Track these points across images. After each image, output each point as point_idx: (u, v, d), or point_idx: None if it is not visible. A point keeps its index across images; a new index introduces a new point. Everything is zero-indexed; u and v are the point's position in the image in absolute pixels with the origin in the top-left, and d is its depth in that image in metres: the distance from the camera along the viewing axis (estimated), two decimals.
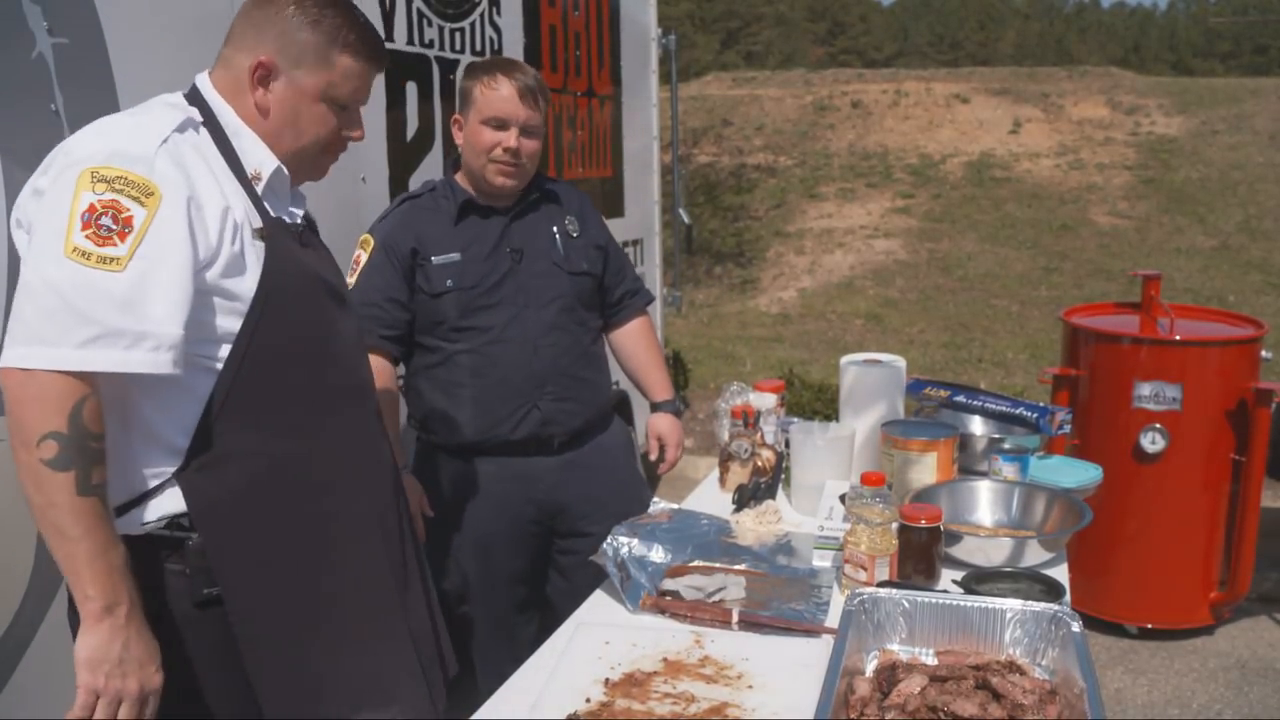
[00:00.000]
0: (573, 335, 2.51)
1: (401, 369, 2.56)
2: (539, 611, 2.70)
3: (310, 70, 1.63)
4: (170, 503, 1.52)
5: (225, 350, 1.53)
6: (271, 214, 1.63)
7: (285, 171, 1.67)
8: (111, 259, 1.40)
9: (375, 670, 1.68)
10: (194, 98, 1.63)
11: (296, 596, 1.61)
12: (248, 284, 1.54)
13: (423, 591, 1.86)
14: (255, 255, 1.56)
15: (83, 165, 1.43)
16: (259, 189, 1.63)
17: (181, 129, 1.54)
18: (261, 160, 1.64)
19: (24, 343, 1.39)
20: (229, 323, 1.53)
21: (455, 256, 2.43)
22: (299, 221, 1.73)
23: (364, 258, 2.45)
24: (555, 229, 2.54)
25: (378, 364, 2.25)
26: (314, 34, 1.62)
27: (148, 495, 1.52)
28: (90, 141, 1.49)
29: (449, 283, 2.42)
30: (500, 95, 2.38)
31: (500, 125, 2.39)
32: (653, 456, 2.79)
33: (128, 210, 1.42)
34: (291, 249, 1.64)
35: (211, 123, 1.61)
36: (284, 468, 1.59)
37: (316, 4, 1.63)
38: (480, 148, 2.41)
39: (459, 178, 2.53)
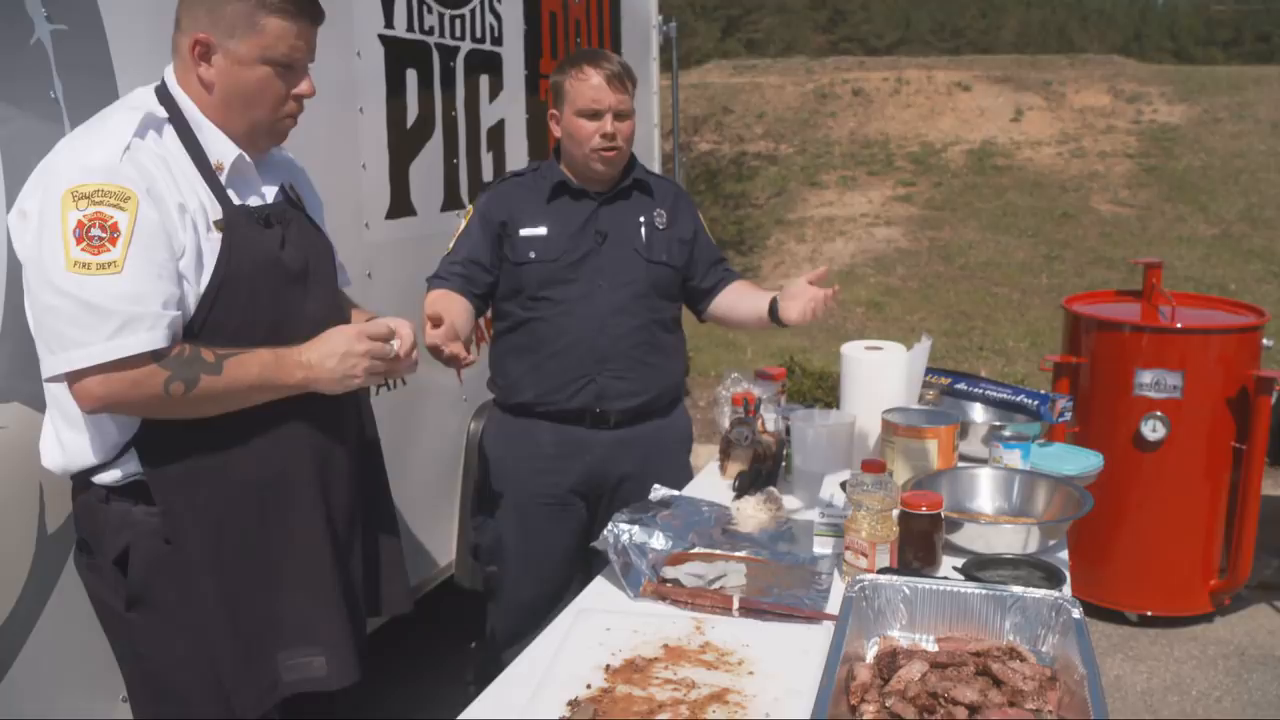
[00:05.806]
0: (642, 320, 2.62)
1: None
2: (567, 583, 2.69)
3: (242, 38, 1.72)
4: (134, 464, 1.71)
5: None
6: (236, 201, 1.77)
7: (248, 159, 1.81)
8: (109, 263, 1.57)
9: (303, 616, 1.84)
10: (162, 93, 1.76)
11: (233, 549, 1.77)
12: (205, 273, 1.71)
13: (360, 548, 2.00)
14: (211, 248, 1.71)
15: (62, 187, 1.59)
16: (222, 178, 1.76)
17: (141, 132, 1.68)
18: (223, 151, 1.77)
19: (62, 350, 1.58)
20: (189, 303, 1.70)
21: (541, 230, 2.58)
22: (269, 202, 1.85)
23: (462, 225, 2.65)
24: (642, 219, 2.66)
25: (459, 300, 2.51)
26: (239, 2, 1.71)
27: (120, 455, 1.71)
28: (65, 162, 1.64)
29: (532, 254, 2.57)
30: (591, 85, 2.52)
31: (594, 115, 2.52)
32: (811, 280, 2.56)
33: (112, 217, 1.59)
34: (251, 236, 1.77)
35: (178, 118, 1.74)
36: (224, 434, 1.74)
37: None
38: (580, 138, 2.55)
39: (562, 164, 2.68)
